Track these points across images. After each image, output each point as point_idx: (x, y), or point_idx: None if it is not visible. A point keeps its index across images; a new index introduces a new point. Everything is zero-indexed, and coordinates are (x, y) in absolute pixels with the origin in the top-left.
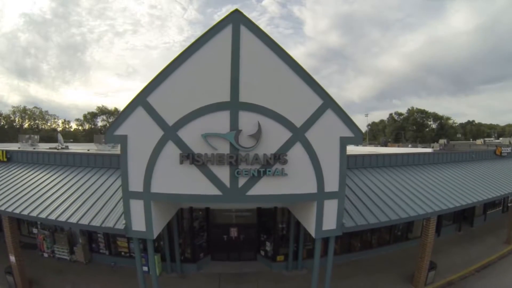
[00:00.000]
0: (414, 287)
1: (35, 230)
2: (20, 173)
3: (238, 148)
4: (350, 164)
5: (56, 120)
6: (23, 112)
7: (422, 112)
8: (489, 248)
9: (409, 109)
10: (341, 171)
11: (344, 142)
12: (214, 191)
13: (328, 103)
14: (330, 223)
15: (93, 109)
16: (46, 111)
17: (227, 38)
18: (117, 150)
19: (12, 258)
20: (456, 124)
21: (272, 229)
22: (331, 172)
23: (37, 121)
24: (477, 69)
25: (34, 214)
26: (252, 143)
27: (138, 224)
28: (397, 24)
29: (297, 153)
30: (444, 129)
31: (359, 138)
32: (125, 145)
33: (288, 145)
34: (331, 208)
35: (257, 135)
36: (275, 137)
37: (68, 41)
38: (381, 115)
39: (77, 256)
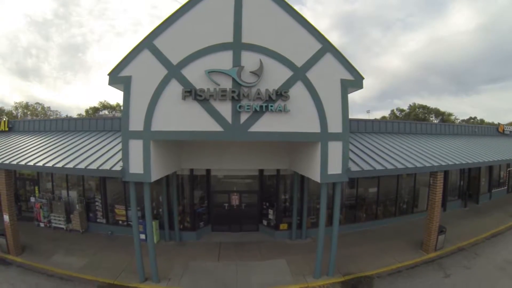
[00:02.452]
0: (424, 251)
1: (32, 199)
2: (21, 139)
3: (241, 83)
4: (353, 128)
5: (58, 116)
6: (25, 108)
7: (424, 107)
8: (497, 220)
9: (410, 105)
10: (343, 113)
11: (345, 84)
12: (215, 127)
13: (327, 47)
14: (335, 167)
15: None
16: (48, 107)
17: None
18: None
19: (6, 217)
20: (458, 120)
21: (275, 201)
22: (334, 113)
23: (39, 117)
24: (479, 69)
25: (31, 163)
26: (254, 79)
27: (136, 167)
28: (398, 23)
29: (299, 91)
30: None
31: (360, 81)
32: (129, 85)
33: (289, 82)
34: (335, 151)
35: (259, 71)
36: (276, 74)
37: (69, 42)
38: (382, 114)
39: (73, 225)
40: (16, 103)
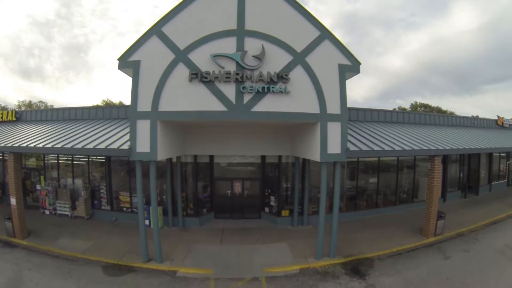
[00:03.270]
0: (424, 236)
1: (38, 187)
2: (29, 127)
3: (244, 66)
4: (353, 116)
5: None
6: (28, 106)
7: (426, 106)
8: (496, 210)
9: (412, 104)
10: (342, 96)
11: (343, 69)
12: (220, 107)
13: (325, 34)
14: (334, 147)
15: None
16: (51, 105)
17: None
18: None
19: (13, 201)
20: None
21: (277, 188)
22: (333, 96)
23: None
24: (482, 69)
25: (40, 145)
26: (257, 63)
27: (143, 146)
28: (400, 23)
29: (298, 74)
30: None
31: (356, 66)
32: (138, 69)
33: (290, 66)
34: (334, 131)
35: (261, 56)
36: (277, 58)
37: (71, 42)
38: None
39: (78, 211)
40: (19, 101)
